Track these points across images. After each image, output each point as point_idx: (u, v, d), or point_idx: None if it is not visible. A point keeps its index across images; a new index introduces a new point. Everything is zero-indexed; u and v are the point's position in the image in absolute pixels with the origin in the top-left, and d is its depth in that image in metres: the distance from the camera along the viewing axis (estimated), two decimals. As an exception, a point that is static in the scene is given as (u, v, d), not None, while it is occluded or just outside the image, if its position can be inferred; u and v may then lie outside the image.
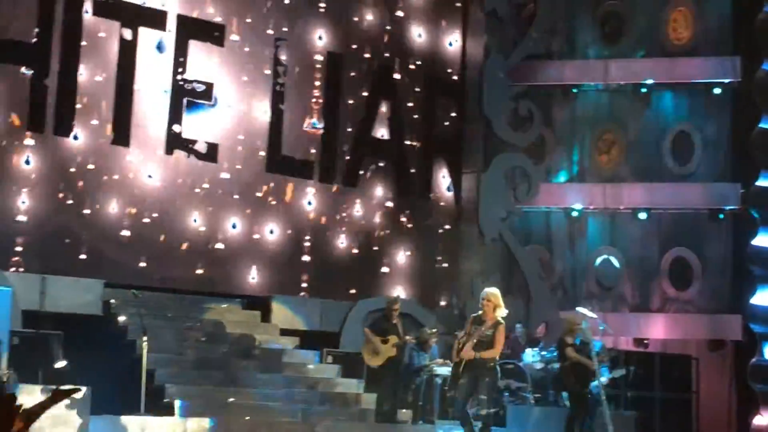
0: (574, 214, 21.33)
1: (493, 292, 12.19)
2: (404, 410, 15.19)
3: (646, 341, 20.67)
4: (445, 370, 16.02)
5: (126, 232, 16.15)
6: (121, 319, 15.05)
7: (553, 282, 21.20)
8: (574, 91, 21.77)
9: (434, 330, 16.02)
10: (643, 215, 21.02)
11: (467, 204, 20.18)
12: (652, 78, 21.31)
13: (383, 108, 19.27)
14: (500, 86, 20.53)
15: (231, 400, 14.25)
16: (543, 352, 17.43)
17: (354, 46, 19.07)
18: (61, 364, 13.13)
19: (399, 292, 18.67)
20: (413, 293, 19.11)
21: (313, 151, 18.32)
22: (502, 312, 12.08)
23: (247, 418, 13.70)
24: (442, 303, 19.67)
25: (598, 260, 21.30)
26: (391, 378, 14.84)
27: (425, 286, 19.49)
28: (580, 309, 14.34)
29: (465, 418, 12.09)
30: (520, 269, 20.42)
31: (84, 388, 11.56)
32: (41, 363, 12.95)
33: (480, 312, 12.20)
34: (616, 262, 21.22)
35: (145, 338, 12.98)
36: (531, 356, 17.45)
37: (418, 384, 15.55)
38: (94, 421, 12.00)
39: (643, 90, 21.45)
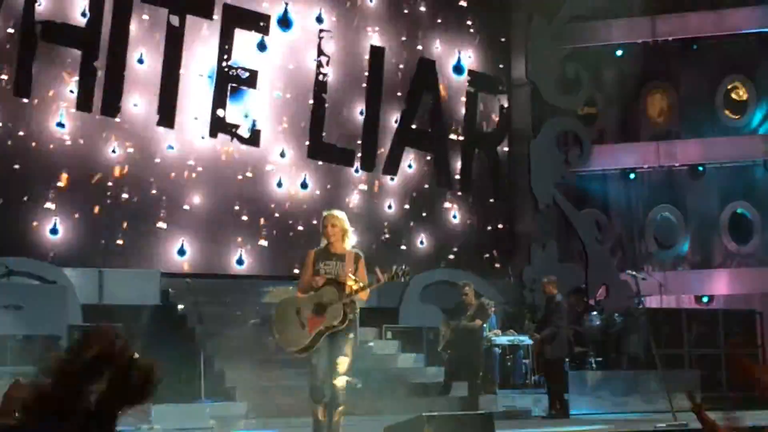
0: (630, 175, 21.05)
1: (338, 214, 8.90)
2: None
3: (705, 299, 20.45)
4: (504, 340, 16.04)
5: (167, 222, 16.54)
6: (180, 307, 15.22)
7: (611, 244, 20.97)
8: (619, 53, 21.26)
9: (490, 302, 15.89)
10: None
11: (519, 171, 20.10)
12: (700, 32, 20.90)
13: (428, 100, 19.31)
14: (546, 50, 20.30)
15: (292, 382, 14.24)
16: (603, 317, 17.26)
17: (403, 38, 19.15)
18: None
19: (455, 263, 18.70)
20: (468, 263, 19.03)
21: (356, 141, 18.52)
22: (353, 240, 9.01)
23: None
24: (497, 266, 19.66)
25: (656, 218, 21.00)
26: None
27: (481, 255, 19.47)
28: (629, 272, 14.12)
29: (324, 396, 8.93)
30: (576, 234, 20.26)
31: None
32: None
33: (324, 244, 8.91)
34: (674, 219, 20.93)
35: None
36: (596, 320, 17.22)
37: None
38: (157, 408, 12.14)
39: (694, 47, 21.00)
